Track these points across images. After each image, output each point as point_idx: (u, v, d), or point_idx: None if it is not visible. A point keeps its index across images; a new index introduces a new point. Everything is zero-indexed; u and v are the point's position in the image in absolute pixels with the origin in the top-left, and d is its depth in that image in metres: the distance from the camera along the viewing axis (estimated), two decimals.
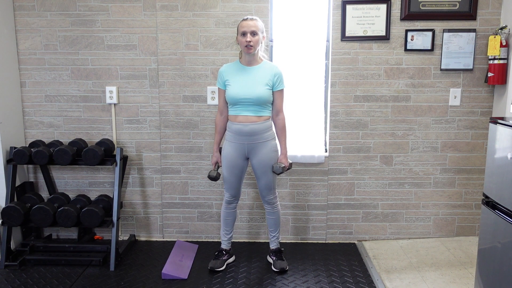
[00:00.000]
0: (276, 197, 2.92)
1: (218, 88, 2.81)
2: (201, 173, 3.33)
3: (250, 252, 3.22)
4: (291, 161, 2.92)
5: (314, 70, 3.23)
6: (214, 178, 2.87)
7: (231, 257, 3.06)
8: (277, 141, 2.83)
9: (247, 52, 2.67)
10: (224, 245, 3.01)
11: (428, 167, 3.31)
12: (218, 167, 2.91)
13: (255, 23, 2.66)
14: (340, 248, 3.29)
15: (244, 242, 3.39)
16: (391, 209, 3.37)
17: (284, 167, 2.79)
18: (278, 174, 2.81)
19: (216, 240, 3.40)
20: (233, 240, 3.39)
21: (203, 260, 3.07)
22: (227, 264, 2.99)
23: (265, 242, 3.37)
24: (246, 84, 2.70)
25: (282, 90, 2.76)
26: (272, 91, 2.74)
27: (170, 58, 3.21)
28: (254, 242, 3.39)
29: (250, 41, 2.63)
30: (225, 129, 2.85)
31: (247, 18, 2.69)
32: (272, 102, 2.78)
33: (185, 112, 3.27)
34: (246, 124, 2.71)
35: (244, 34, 2.64)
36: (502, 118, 2.24)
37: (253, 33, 2.64)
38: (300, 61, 3.22)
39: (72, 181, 3.37)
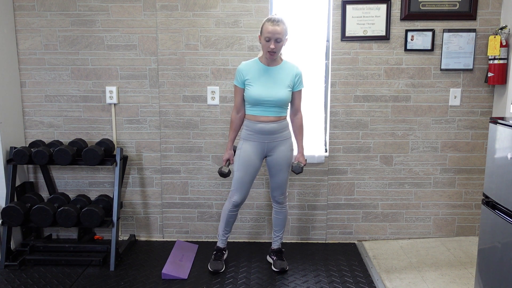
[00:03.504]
0: (286, 197, 2.92)
1: (236, 86, 2.74)
2: (201, 173, 3.33)
3: (250, 252, 3.22)
4: (306, 159, 2.96)
5: (314, 70, 3.23)
6: (226, 174, 2.81)
7: (226, 253, 3.08)
8: (293, 139, 2.84)
9: (269, 57, 2.64)
10: (223, 244, 2.99)
11: (428, 167, 3.31)
12: (229, 164, 2.87)
13: (282, 29, 2.55)
14: (340, 248, 3.29)
15: (244, 242, 3.39)
16: (391, 209, 3.37)
17: (303, 166, 2.84)
18: (298, 174, 2.84)
19: (216, 240, 3.40)
20: (233, 240, 3.41)
21: (203, 260, 3.07)
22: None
23: (265, 242, 3.37)
24: (268, 85, 2.66)
25: (301, 90, 2.78)
26: (292, 91, 2.74)
27: (170, 58, 3.21)
28: (254, 242, 3.39)
29: (274, 48, 2.57)
30: (240, 127, 2.82)
31: (274, 21, 2.54)
32: (291, 102, 2.78)
33: (185, 112, 3.27)
34: (268, 123, 2.70)
35: (268, 40, 2.56)
36: (502, 118, 2.24)
37: (278, 40, 2.56)
38: (300, 61, 3.21)
39: (72, 181, 3.37)
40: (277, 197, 2.89)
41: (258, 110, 2.70)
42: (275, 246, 3.01)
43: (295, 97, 2.76)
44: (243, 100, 2.76)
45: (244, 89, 2.72)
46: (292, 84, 2.72)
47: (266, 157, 2.82)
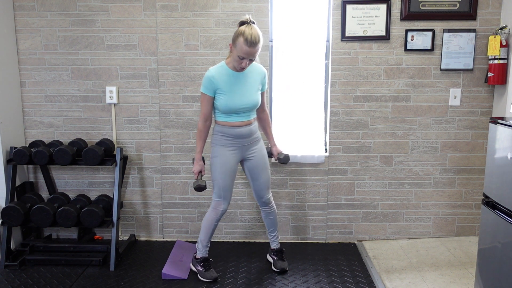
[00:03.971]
0: (271, 195, 2.91)
1: (205, 94, 2.57)
2: None
3: (250, 252, 3.22)
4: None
5: (314, 70, 3.23)
6: (203, 187, 2.65)
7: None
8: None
9: (240, 70, 2.57)
10: (207, 253, 2.85)
11: (428, 167, 3.31)
12: (202, 176, 2.75)
13: (257, 49, 2.46)
14: (340, 248, 3.29)
15: (244, 242, 3.39)
16: (391, 209, 3.37)
17: (287, 154, 2.87)
18: (285, 164, 2.87)
19: (216, 240, 3.40)
20: (233, 240, 3.42)
21: None
22: None
23: (265, 242, 3.37)
24: (241, 92, 2.59)
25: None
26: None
27: (170, 58, 3.21)
28: (254, 242, 3.39)
29: (246, 66, 2.52)
30: (207, 136, 2.73)
31: (252, 43, 2.40)
32: None
33: (185, 112, 3.27)
34: (244, 127, 2.66)
35: (242, 58, 2.47)
36: (502, 118, 2.24)
37: (252, 58, 2.50)
38: (300, 61, 3.22)
39: (72, 181, 3.37)
40: (264, 198, 2.82)
41: (233, 117, 2.62)
42: (274, 246, 2.99)
43: (262, 96, 2.76)
44: (212, 109, 2.65)
45: (213, 98, 2.60)
46: (261, 85, 2.70)
47: (243, 161, 2.77)
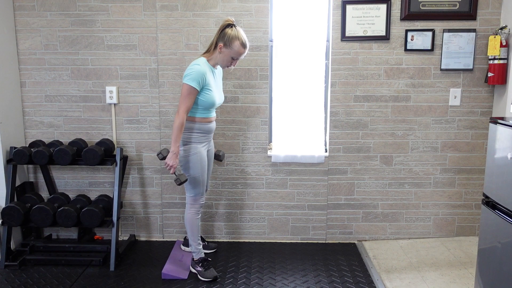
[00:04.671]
0: None
1: (194, 88, 2.56)
2: None
3: (250, 252, 3.22)
4: None
5: (314, 70, 3.23)
6: (186, 180, 2.65)
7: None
8: None
9: (224, 68, 2.81)
10: (203, 253, 2.89)
11: (428, 167, 3.31)
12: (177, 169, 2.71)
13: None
14: (340, 248, 3.29)
15: (244, 242, 3.39)
16: (391, 209, 3.37)
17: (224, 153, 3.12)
18: (221, 161, 3.09)
19: (216, 240, 3.40)
20: (233, 240, 3.41)
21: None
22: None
23: (265, 242, 3.37)
24: (219, 88, 2.79)
25: None
26: None
27: (170, 58, 3.21)
28: (254, 242, 3.39)
29: (234, 65, 2.74)
30: None
31: (246, 45, 2.66)
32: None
33: None
34: (214, 121, 2.81)
35: (235, 58, 2.68)
36: (502, 118, 2.24)
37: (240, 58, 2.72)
38: (300, 61, 3.22)
39: (72, 181, 3.37)
40: (208, 186, 3.06)
41: (210, 112, 2.75)
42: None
43: None
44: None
45: (198, 92, 2.61)
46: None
47: None
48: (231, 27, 2.63)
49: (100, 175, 3.36)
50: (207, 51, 2.71)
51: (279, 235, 3.41)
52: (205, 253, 3.09)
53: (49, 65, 3.23)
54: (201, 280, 2.80)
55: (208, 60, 2.69)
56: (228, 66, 2.73)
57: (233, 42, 2.61)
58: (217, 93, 2.72)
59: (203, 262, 2.84)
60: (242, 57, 2.70)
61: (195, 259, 2.86)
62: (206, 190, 3.00)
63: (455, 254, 3.14)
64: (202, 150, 2.75)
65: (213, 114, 2.79)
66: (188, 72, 2.58)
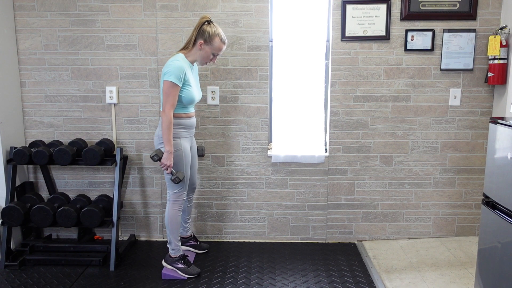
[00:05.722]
0: None
1: (176, 85, 2.57)
2: (200, 173, 3.33)
3: (250, 252, 3.22)
4: None
5: (314, 70, 3.23)
6: (184, 177, 2.71)
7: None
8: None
9: (202, 65, 2.84)
10: (182, 250, 2.94)
11: (428, 167, 3.31)
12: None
13: None
14: (340, 248, 3.29)
15: (244, 242, 3.39)
16: (391, 209, 3.37)
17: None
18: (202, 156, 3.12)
19: (216, 240, 3.40)
20: (233, 240, 3.41)
21: (203, 261, 3.07)
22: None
23: (265, 242, 3.37)
24: (197, 84, 2.83)
25: None
26: None
27: None
28: (254, 242, 3.39)
29: (214, 61, 2.79)
30: None
31: (225, 41, 2.73)
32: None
33: None
34: (194, 116, 2.83)
35: (215, 55, 2.73)
36: (502, 118, 2.24)
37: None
38: (300, 61, 3.22)
39: (72, 181, 3.37)
40: (195, 184, 3.05)
41: (190, 107, 2.77)
42: (190, 232, 3.17)
43: None
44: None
45: (179, 89, 2.62)
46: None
47: None
48: (209, 23, 2.67)
49: (100, 175, 3.36)
50: (185, 48, 2.73)
51: (279, 235, 3.41)
52: (196, 253, 3.15)
53: (49, 65, 3.23)
54: (182, 277, 2.80)
55: (186, 57, 2.71)
56: (207, 63, 2.78)
57: (213, 39, 2.66)
58: (196, 90, 2.76)
59: (184, 258, 2.86)
60: (221, 52, 2.75)
61: (173, 256, 2.86)
62: (194, 188, 3.07)
63: (455, 254, 3.14)
64: (187, 146, 2.77)
65: (192, 109, 2.81)
66: (168, 69, 2.58)
